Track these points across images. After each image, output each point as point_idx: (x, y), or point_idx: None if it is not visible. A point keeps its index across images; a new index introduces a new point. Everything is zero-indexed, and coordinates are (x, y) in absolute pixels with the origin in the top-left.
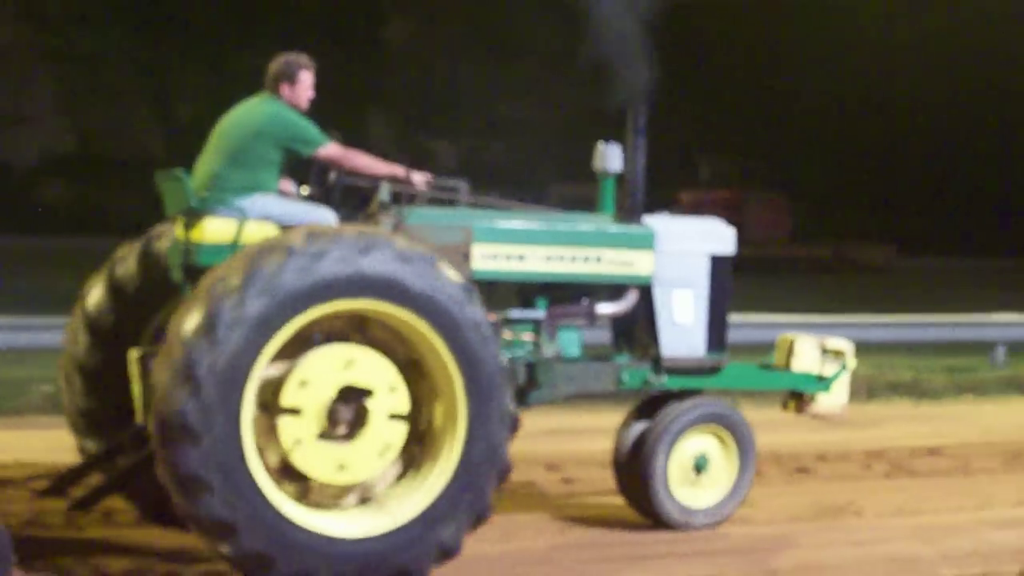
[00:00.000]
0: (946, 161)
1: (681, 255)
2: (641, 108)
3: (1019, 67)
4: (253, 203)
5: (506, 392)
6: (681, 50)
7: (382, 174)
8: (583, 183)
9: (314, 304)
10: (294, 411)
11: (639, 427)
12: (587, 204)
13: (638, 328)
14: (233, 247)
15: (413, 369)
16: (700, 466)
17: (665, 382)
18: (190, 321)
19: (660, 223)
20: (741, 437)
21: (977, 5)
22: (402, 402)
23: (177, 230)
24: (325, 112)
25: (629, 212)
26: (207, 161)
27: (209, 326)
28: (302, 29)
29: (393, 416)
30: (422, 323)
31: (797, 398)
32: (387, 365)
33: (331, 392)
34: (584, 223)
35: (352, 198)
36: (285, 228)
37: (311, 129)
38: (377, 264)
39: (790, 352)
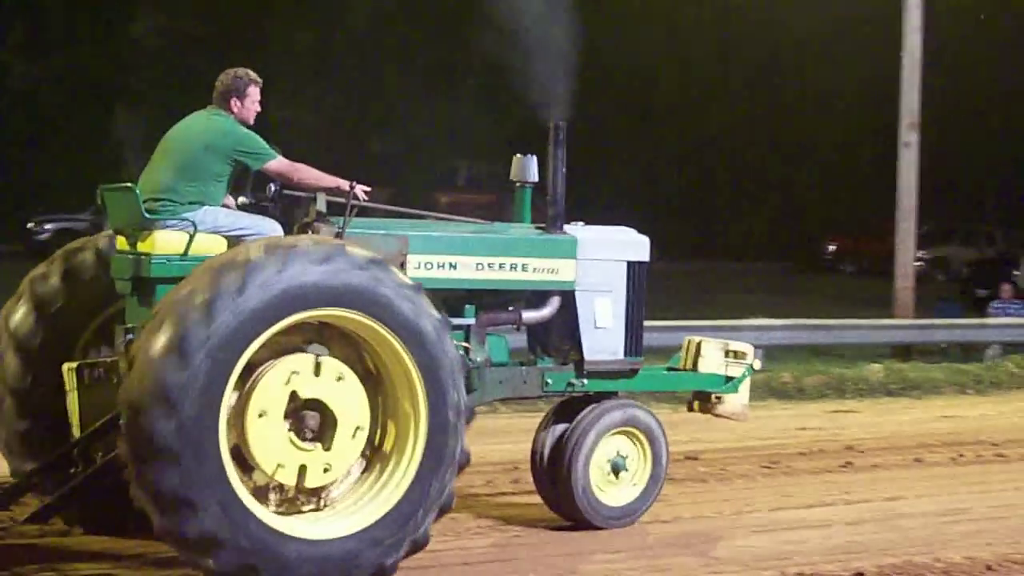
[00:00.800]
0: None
1: (601, 262)
2: (562, 122)
3: None
4: (203, 215)
5: (461, 384)
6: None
7: (327, 186)
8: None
9: (281, 317)
10: (262, 415)
11: (557, 430)
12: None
13: (559, 333)
14: (183, 259)
15: (371, 372)
16: (617, 467)
17: (587, 385)
18: (158, 342)
19: (581, 232)
20: (655, 438)
21: None
22: (363, 405)
23: (120, 242)
24: (70, 109)
25: (551, 221)
26: (154, 173)
27: (180, 347)
28: (46, 22)
29: (356, 422)
30: (380, 326)
31: (704, 399)
32: (347, 372)
33: (294, 400)
34: (511, 232)
35: (289, 209)
36: (233, 240)
37: (260, 143)
38: (336, 273)
39: (697, 354)
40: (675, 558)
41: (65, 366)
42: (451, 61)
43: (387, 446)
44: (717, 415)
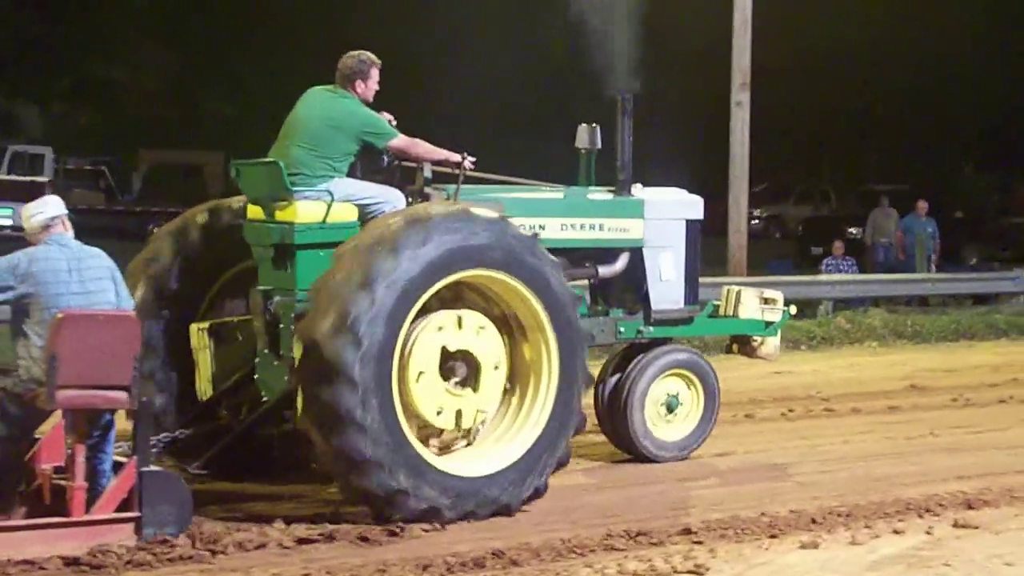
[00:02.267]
0: None
1: (664, 221)
2: (628, 94)
3: None
4: (335, 186)
5: (586, 350)
6: None
7: (441, 159)
8: (176, 149)
9: (429, 284)
10: (421, 374)
11: (617, 373)
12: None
13: (628, 286)
14: (322, 226)
15: (507, 331)
16: (671, 406)
17: (652, 332)
18: (327, 323)
19: (646, 194)
20: (707, 380)
21: None
22: (501, 349)
23: (254, 212)
24: None
25: (621, 185)
26: (287, 149)
27: (350, 325)
28: None
29: (495, 370)
30: (511, 278)
31: (744, 342)
32: (486, 321)
33: (444, 354)
34: (587, 196)
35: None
36: (363, 208)
37: (383, 123)
38: (470, 236)
39: (737, 302)
40: None
41: (194, 326)
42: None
43: (519, 402)
44: (757, 357)
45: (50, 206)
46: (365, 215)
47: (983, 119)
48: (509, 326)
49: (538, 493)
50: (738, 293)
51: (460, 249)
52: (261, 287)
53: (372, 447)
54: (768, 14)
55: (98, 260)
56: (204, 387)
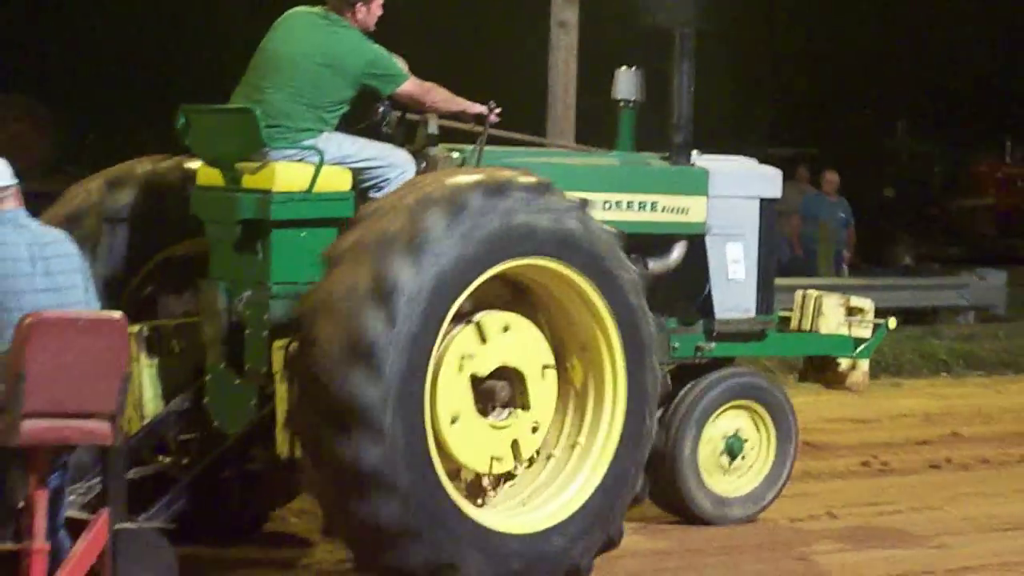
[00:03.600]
0: None
1: (733, 200)
2: (688, 31)
3: None
4: (325, 143)
5: (657, 360)
6: None
7: (460, 110)
8: None
9: (490, 266)
10: (455, 420)
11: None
12: None
13: (684, 287)
14: (307, 196)
15: (562, 338)
16: (735, 450)
17: (715, 349)
18: (353, 287)
19: (710, 163)
20: (781, 415)
21: None
22: (542, 341)
23: (207, 176)
24: None
25: (677, 150)
26: (261, 93)
27: (387, 293)
28: None
29: (541, 362)
30: (580, 277)
31: (825, 367)
32: (510, 317)
33: (475, 384)
34: (637, 164)
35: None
36: (361, 171)
37: (393, 62)
38: (547, 219)
39: (817, 312)
40: None
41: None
42: None
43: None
44: (842, 387)
45: None
46: (361, 182)
47: (925, 58)
48: (554, 329)
49: (611, 544)
50: (818, 300)
51: (532, 229)
52: (216, 278)
53: (406, 513)
54: None
55: (64, 246)
56: (131, 414)
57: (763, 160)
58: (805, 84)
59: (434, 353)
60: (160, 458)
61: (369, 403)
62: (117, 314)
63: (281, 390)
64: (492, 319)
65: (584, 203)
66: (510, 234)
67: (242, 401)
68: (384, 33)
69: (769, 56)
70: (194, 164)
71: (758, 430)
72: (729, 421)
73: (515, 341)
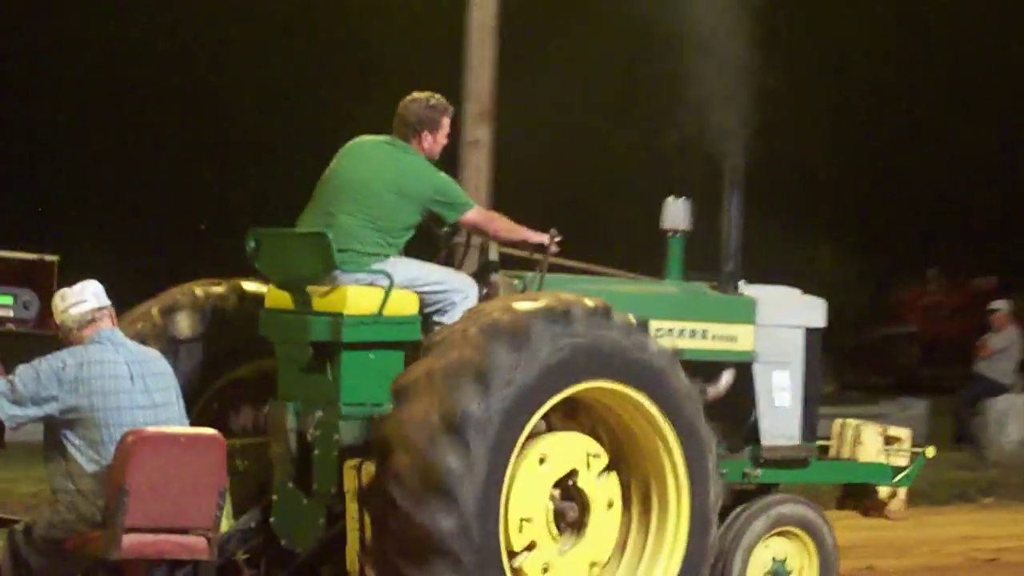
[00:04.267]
0: None
1: (780, 329)
2: (738, 161)
3: None
4: (393, 267)
5: (716, 477)
6: None
7: (522, 239)
8: None
9: (560, 390)
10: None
11: None
12: None
13: (732, 413)
14: (377, 319)
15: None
16: (779, 574)
17: (760, 476)
18: (427, 419)
19: (758, 292)
20: (822, 542)
21: None
22: (617, 496)
23: (276, 299)
24: None
25: (726, 278)
26: (330, 217)
27: (456, 429)
28: None
29: (609, 508)
30: (644, 398)
31: (863, 495)
32: (598, 450)
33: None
34: (690, 291)
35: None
36: (426, 295)
37: (459, 191)
38: (611, 341)
39: (856, 440)
40: None
41: None
42: None
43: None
44: (883, 516)
45: (93, 294)
46: (426, 306)
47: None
48: (620, 450)
49: None
50: (856, 428)
51: (597, 352)
52: (285, 398)
53: None
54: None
55: (160, 364)
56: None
57: None
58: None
59: (506, 481)
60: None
61: (446, 533)
62: (214, 431)
63: (352, 509)
64: (580, 442)
65: (644, 323)
66: (574, 358)
67: (311, 519)
68: None
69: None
70: (250, 286)
71: (801, 555)
72: (775, 546)
73: (594, 469)
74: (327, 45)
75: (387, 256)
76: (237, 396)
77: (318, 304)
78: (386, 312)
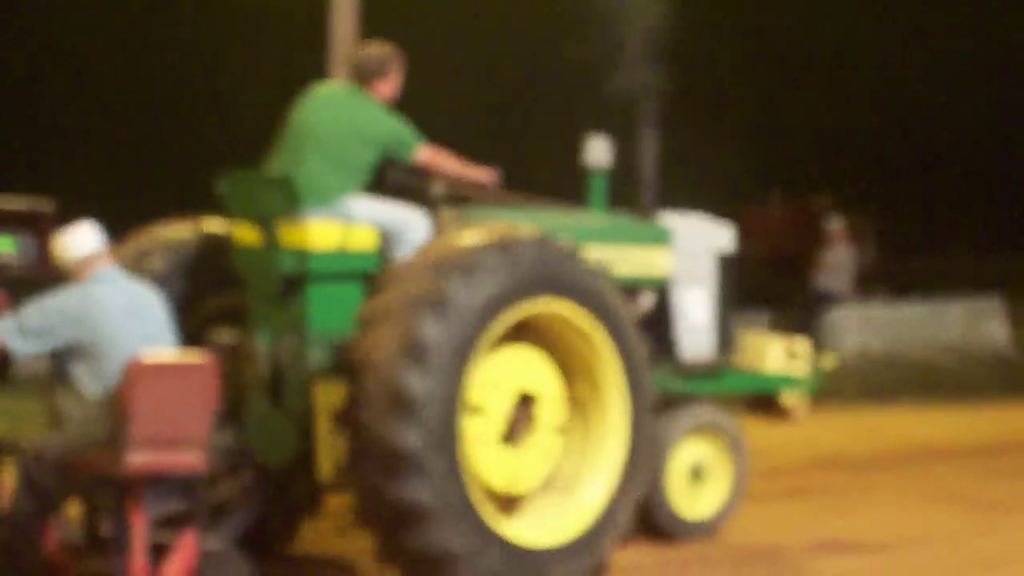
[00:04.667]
0: None
1: (694, 253)
2: (650, 102)
3: None
4: (354, 206)
5: (651, 379)
6: None
7: (470, 177)
8: None
9: (503, 312)
10: (477, 415)
11: None
12: None
13: (651, 331)
14: (341, 253)
15: (567, 369)
16: (698, 474)
17: (681, 387)
18: (389, 347)
19: (673, 220)
20: (736, 443)
21: None
22: (562, 405)
23: (245, 236)
24: None
25: (644, 208)
26: (294, 161)
27: (418, 351)
28: None
29: (557, 418)
30: (588, 318)
31: (769, 402)
32: (549, 367)
33: (509, 398)
34: (612, 221)
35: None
36: (384, 229)
37: (409, 132)
38: (551, 266)
39: (761, 353)
40: None
41: None
42: None
43: (583, 453)
44: (788, 419)
45: (90, 236)
46: (383, 239)
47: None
48: (565, 363)
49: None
50: (761, 342)
51: (536, 274)
52: (256, 328)
53: (434, 496)
54: None
55: (152, 298)
56: None
57: None
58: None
59: (463, 395)
60: None
61: (413, 448)
62: (208, 357)
63: (323, 426)
64: (533, 353)
65: (577, 249)
66: (518, 283)
67: (284, 437)
68: None
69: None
70: (213, 226)
71: (718, 456)
72: (692, 449)
73: (543, 379)
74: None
75: (347, 194)
76: (206, 328)
77: (284, 240)
78: (348, 247)
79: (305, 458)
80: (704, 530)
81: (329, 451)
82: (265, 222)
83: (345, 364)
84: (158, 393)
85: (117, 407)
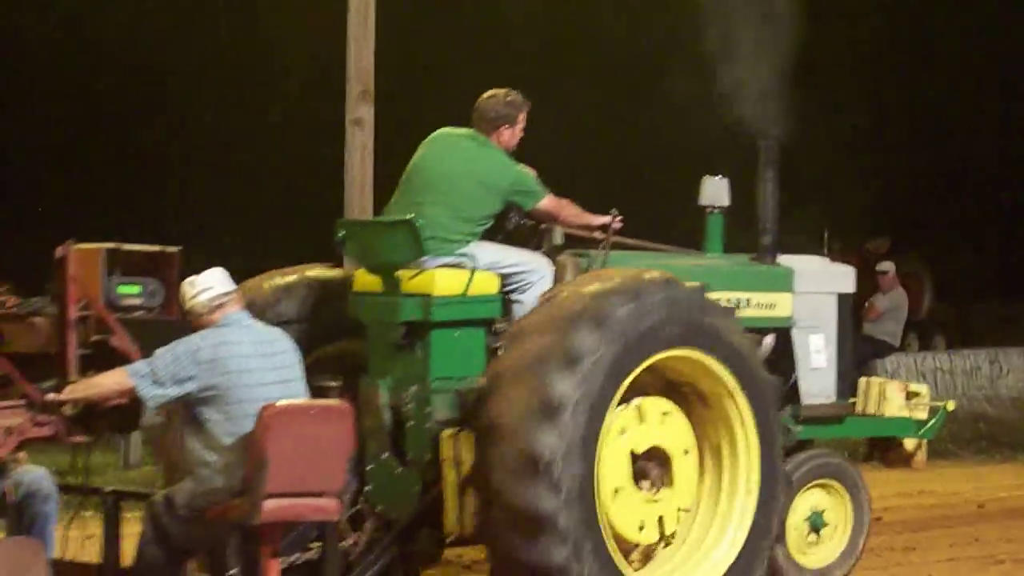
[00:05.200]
0: None
1: (815, 295)
2: (773, 140)
3: None
4: (476, 251)
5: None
6: None
7: (592, 224)
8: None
9: (636, 364)
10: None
11: None
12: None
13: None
14: (463, 299)
15: (697, 419)
16: (817, 525)
17: (801, 432)
18: (521, 407)
19: (795, 262)
20: (856, 491)
21: None
22: (692, 444)
23: (366, 283)
24: None
25: (764, 250)
26: (418, 207)
27: (549, 411)
28: None
29: (686, 455)
30: (716, 362)
31: (890, 447)
32: (668, 405)
33: (633, 459)
34: (736, 263)
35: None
36: (506, 276)
37: (534, 180)
38: (681, 311)
39: (881, 397)
40: None
41: None
42: None
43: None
44: (908, 466)
45: (219, 280)
46: (505, 286)
47: None
48: (695, 412)
49: None
50: (881, 386)
51: (669, 324)
52: (376, 375)
53: (572, 556)
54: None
55: (285, 343)
56: None
57: None
58: None
59: (598, 451)
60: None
61: (551, 511)
62: (342, 402)
63: (450, 477)
64: (652, 403)
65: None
66: (651, 331)
67: (406, 487)
68: None
69: None
70: (327, 272)
71: (837, 507)
72: (812, 498)
73: (669, 425)
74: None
75: (469, 242)
76: (322, 374)
77: (407, 287)
78: (470, 292)
79: (428, 510)
80: None
81: (455, 504)
82: (385, 268)
83: (478, 425)
84: (294, 438)
85: (251, 453)
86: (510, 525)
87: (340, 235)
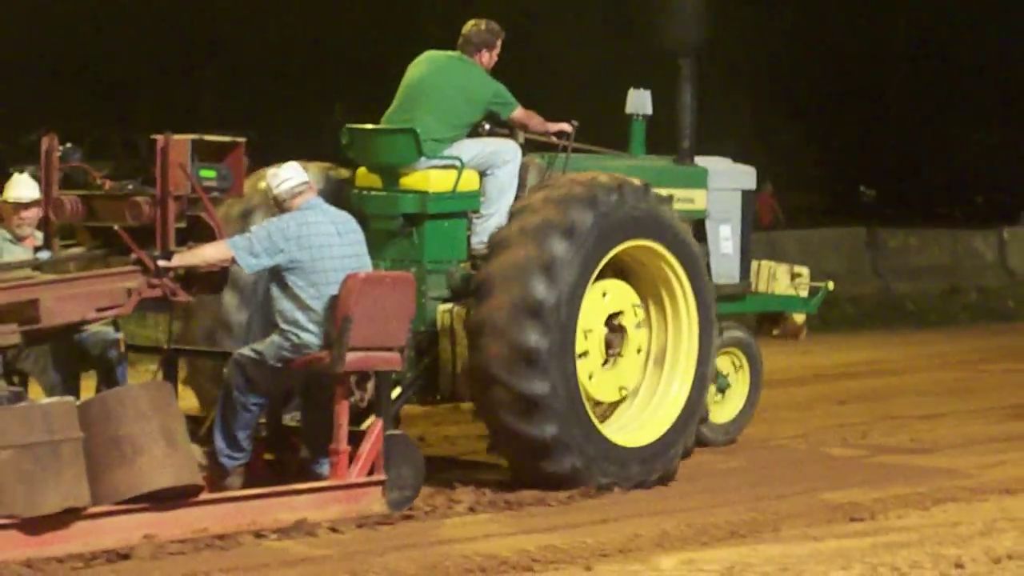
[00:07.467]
0: None
1: (724, 192)
2: (690, 59)
3: None
4: (461, 151)
5: (714, 299)
6: None
7: (554, 131)
8: None
9: (616, 244)
10: (584, 353)
11: None
12: None
13: None
14: (452, 195)
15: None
16: (722, 387)
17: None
18: (522, 262)
19: (708, 163)
20: (754, 359)
21: None
22: (642, 317)
23: (368, 181)
24: None
25: (683, 153)
26: (413, 116)
27: (548, 265)
28: None
29: (640, 327)
30: (667, 251)
31: (779, 321)
32: (630, 291)
33: (602, 325)
34: (666, 164)
35: None
36: (485, 158)
37: (508, 93)
38: (652, 207)
39: (771, 278)
40: None
41: None
42: None
43: (663, 365)
44: (794, 337)
45: (297, 171)
46: (485, 167)
47: None
48: (651, 294)
49: (687, 452)
50: (771, 268)
51: (640, 217)
52: (378, 260)
53: (561, 429)
54: None
55: (353, 223)
56: None
57: None
58: None
59: (580, 305)
60: None
61: (538, 345)
62: (410, 274)
63: (444, 343)
64: (622, 287)
65: (670, 197)
66: (627, 221)
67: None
68: None
69: None
70: (335, 172)
71: (738, 371)
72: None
73: (629, 303)
74: None
75: (455, 142)
76: None
77: (405, 184)
78: (459, 189)
79: (423, 372)
80: (728, 436)
81: (449, 368)
82: (388, 168)
83: (479, 279)
84: (372, 302)
85: (338, 313)
86: (508, 406)
87: (346, 140)
